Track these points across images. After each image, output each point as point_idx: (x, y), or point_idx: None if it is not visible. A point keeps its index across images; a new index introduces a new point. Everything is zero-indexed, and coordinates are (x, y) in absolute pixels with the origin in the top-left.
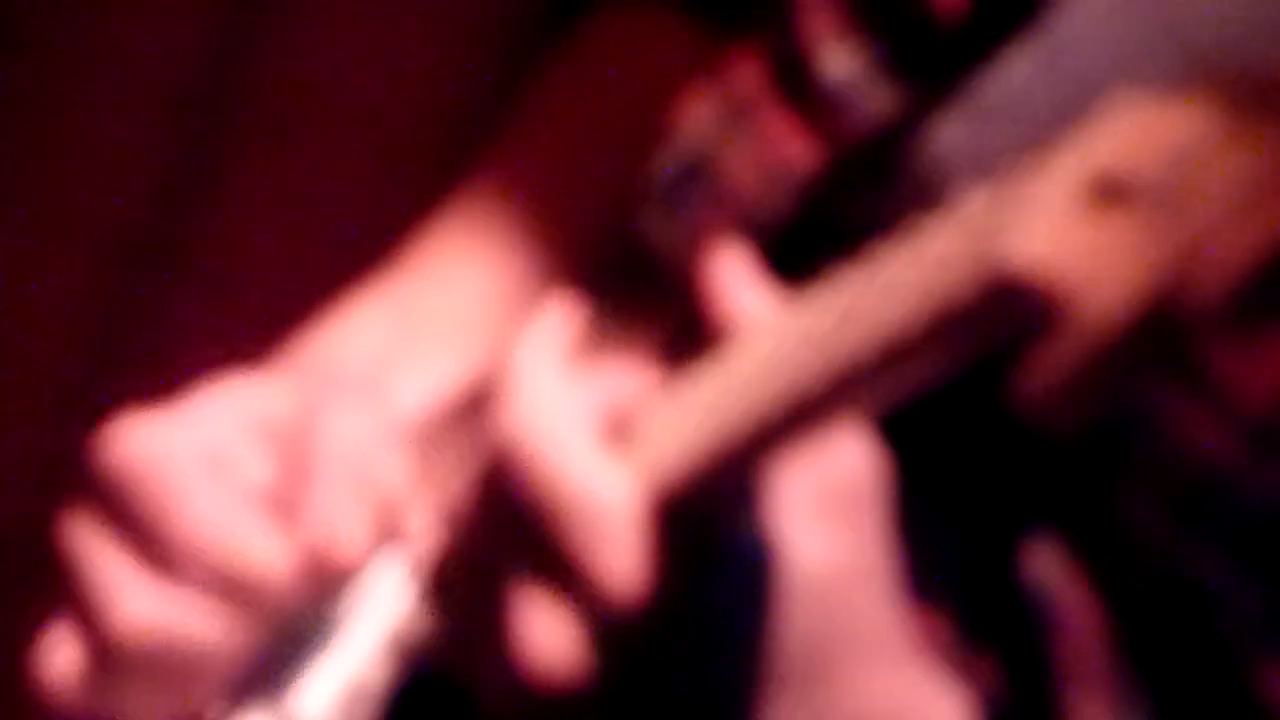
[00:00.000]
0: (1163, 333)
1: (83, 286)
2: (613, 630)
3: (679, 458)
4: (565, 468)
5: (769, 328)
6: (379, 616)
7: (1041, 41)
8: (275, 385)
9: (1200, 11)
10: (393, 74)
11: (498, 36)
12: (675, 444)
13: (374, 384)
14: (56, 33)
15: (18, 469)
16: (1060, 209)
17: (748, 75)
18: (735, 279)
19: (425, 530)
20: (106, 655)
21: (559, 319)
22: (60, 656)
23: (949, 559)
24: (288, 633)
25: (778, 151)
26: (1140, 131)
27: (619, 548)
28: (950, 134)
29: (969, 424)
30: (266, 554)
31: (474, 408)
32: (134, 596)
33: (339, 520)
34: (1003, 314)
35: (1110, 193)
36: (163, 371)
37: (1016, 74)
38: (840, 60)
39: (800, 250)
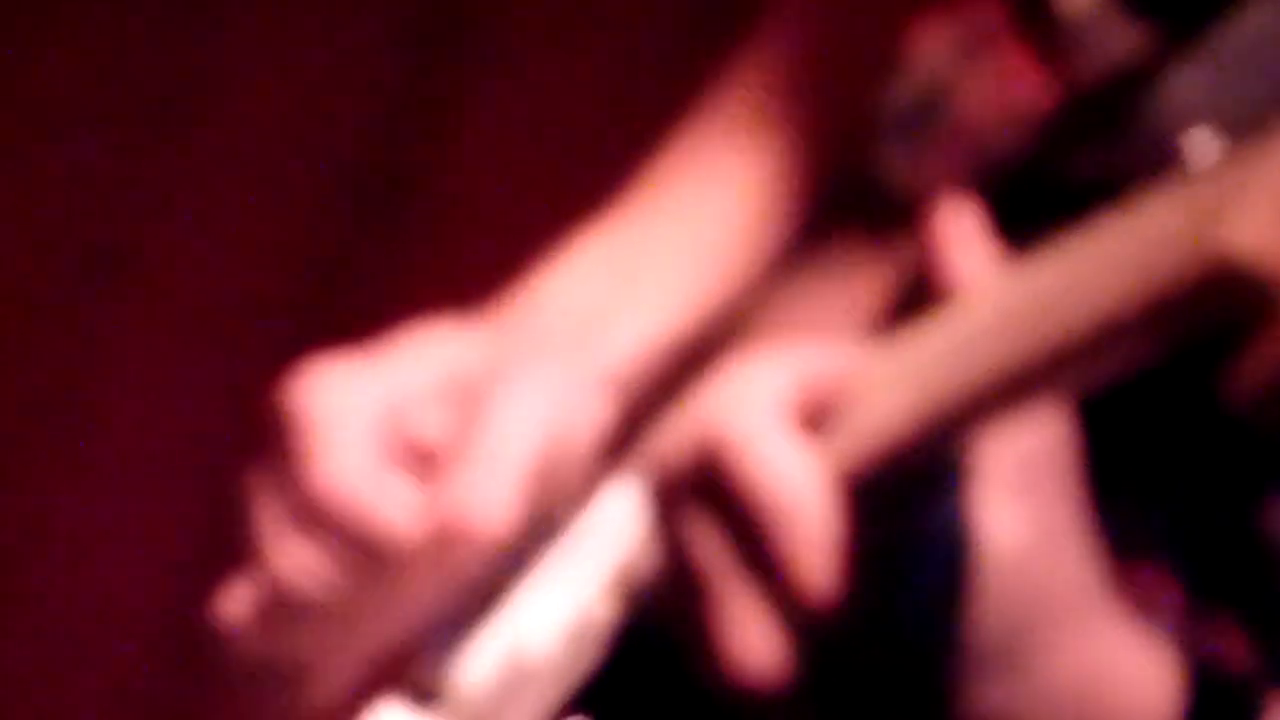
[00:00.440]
0: None
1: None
2: (812, 624)
3: (883, 428)
4: (763, 464)
5: (987, 294)
6: (606, 552)
7: None
8: (471, 340)
9: None
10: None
11: None
12: (881, 414)
13: (589, 330)
14: None
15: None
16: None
17: (987, 9)
18: (963, 239)
19: (651, 468)
20: (271, 600)
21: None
22: (234, 600)
23: (1174, 521)
24: (520, 557)
25: (1015, 87)
26: None
27: (813, 546)
28: (1186, 85)
29: (1192, 392)
30: (394, 518)
31: (690, 355)
32: (286, 543)
33: (483, 492)
34: (1221, 301)
35: None
36: (387, 325)
37: (1256, 25)
38: None
39: (1026, 206)
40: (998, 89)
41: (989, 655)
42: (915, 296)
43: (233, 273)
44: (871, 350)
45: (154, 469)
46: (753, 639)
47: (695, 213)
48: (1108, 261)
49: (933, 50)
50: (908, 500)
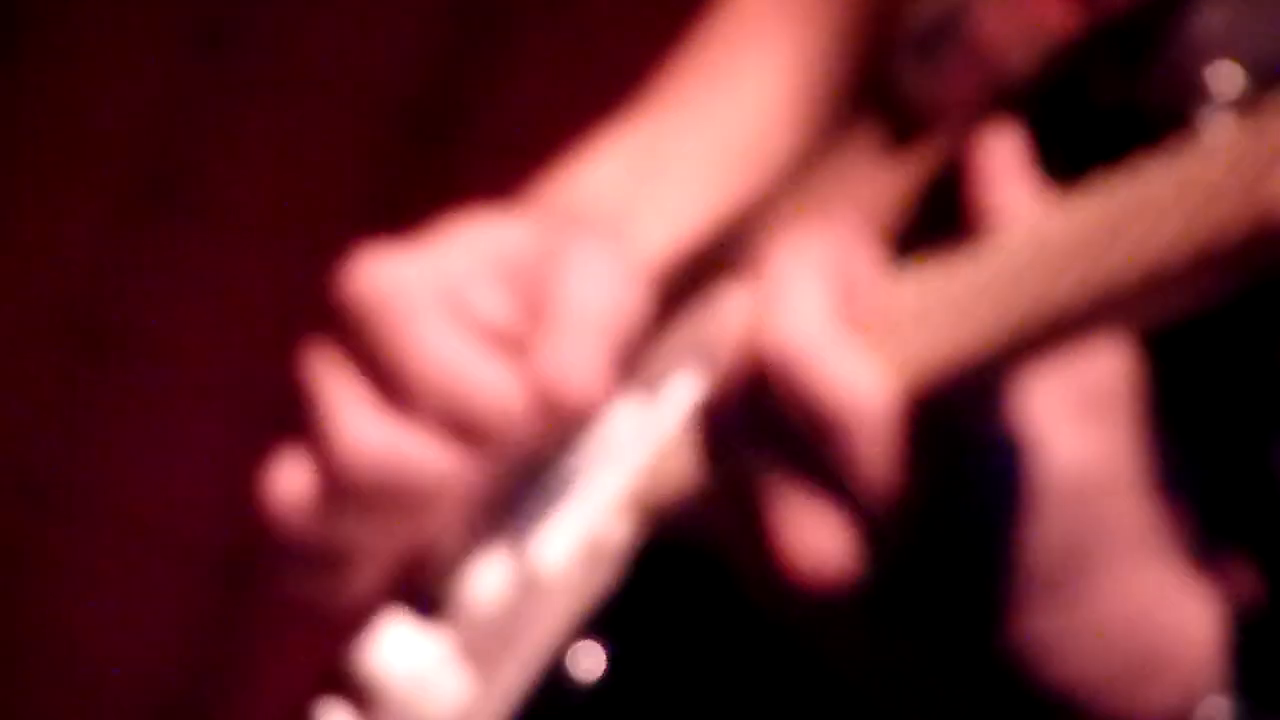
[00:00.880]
0: None
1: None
2: (873, 530)
3: (933, 355)
4: (825, 371)
5: (1029, 230)
6: (622, 471)
7: None
8: (519, 225)
9: None
10: None
11: None
12: (928, 340)
13: (617, 225)
14: None
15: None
16: None
17: None
18: (1007, 168)
19: (672, 378)
20: (335, 484)
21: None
22: (290, 484)
23: (1188, 460)
24: (532, 475)
25: (1035, 10)
26: None
27: (876, 447)
28: (1212, 18)
29: (1224, 337)
30: (497, 391)
31: (707, 253)
32: (365, 425)
33: (573, 361)
34: (1267, 257)
35: None
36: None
37: None
38: None
39: (1051, 131)
40: (1017, 10)
41: (1041, 580)
42: (930, 211)
43: (294, 200)
44: (919, 272)
45: (214, 395)
46: (819, 543)
47: (720, 112)
48: (1154, 209)
49: None
50: (961, 419)
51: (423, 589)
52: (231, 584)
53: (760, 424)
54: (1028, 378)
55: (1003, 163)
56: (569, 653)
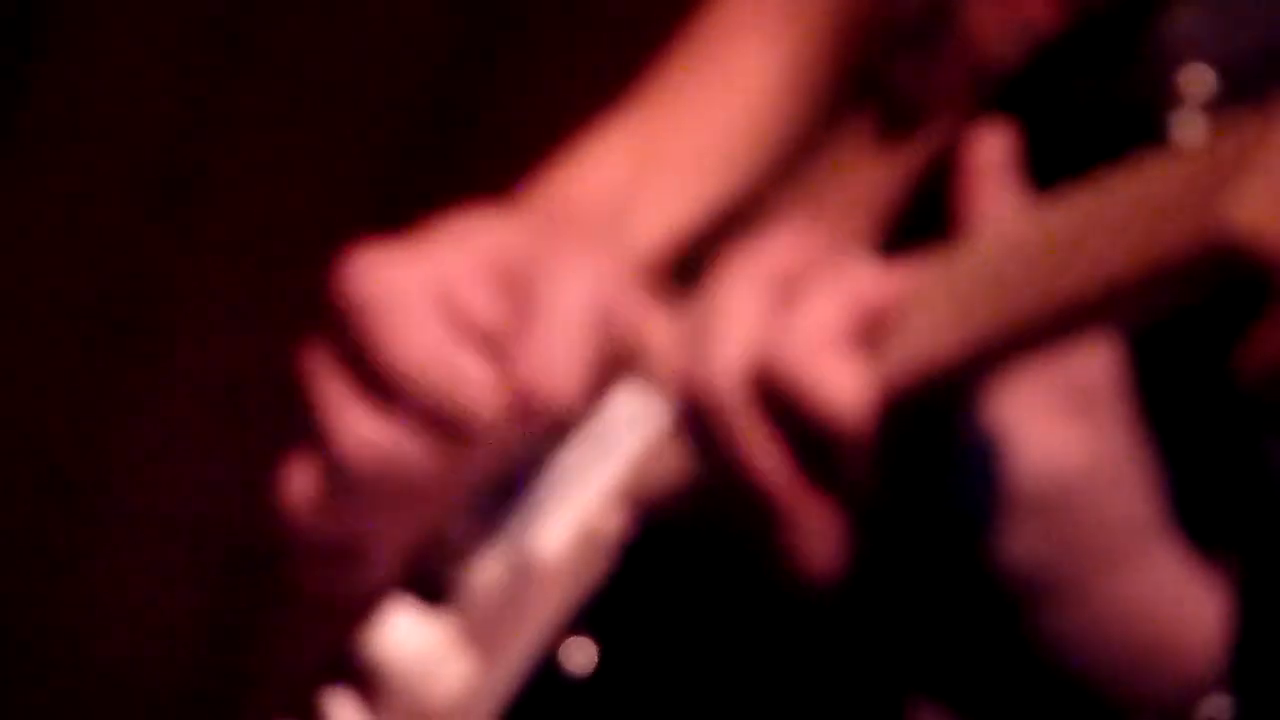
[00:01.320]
0: None
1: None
2: (864, 517)
3: (911, 360)
4: (817, 382)
5: (1000, 236)
6: (614, 465)
7: None
8: (511, 224)
9: None
10: None
11: None
12: (907, 345)
13: (614, 220)
14: None
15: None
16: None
17: None
18: (994, 173)
19: (665, 370)
20: (336, 478)
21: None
22: (297, 481)
23: (1166, 462)
24: (532, 463)
25: (1022, 5)
26: None
27: (858, 440)
28: (1189, 22)
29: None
30: (477, 389)
31: (704, 240)
32: (357, 420)
33: (551, 363)
34: (1220, 273)
35: None
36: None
37: None
38: None
39: (1033, 127)
40: (1005, 5)
41: (1044, 577)
42: (921, 204)
43: (296, 196)
44: (907, 274)
45: (225, 389)
46: (818, 534)
47: (714, 106)
48: (1116, 222)
49: None
50: (940, 417)
51: (426, 575)
52: (244, 574)
53: (761, 427)
54: (1006, 378)
55: (991, 165)
56: (562, 647)
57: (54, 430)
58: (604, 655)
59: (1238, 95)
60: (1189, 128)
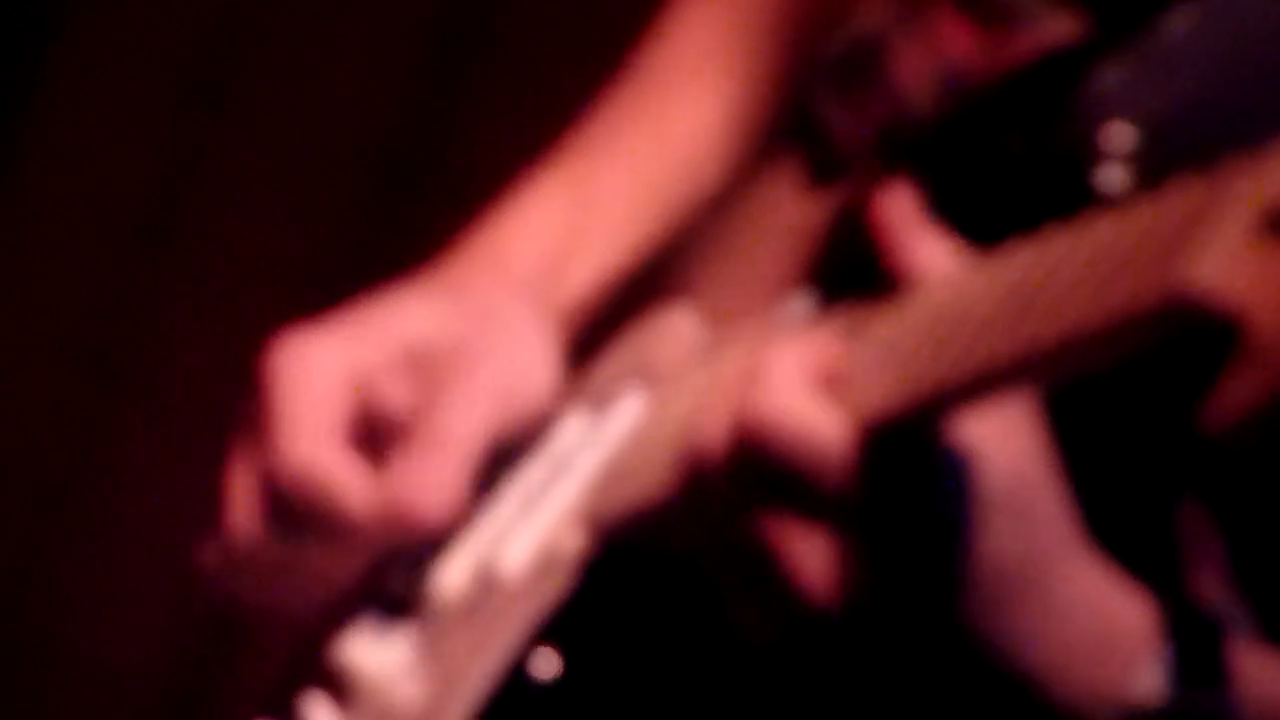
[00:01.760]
0: None
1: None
2: (854, 548)
3: (879, 402)
4: (803, 429)
5: (952, 290)
6: (576, 488)
7: None
8: (431, 309)
9: None
10: None
11: None
12: (875, 387)
13: (547, 271)
14: None
15: None
16: (1238, 235)
17: None
18: (912, 226)
19: (619, 398)
20: (230, 553)
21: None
22: (208, 551)
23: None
24: (492, 479)
25: (946, 49)
26: None
27: (841, 472)
28: (1112, 77)
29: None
30: (347, 498)
31: (635, 276)
32: (242, 504)
33: (427, 487)
34: (1176, 327)
35: None
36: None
37: (1179, 26)
38: None
39: (962, 179)
40: (929, 51)
41: (1008, 583)
42: (846, 242)
43: (268, 242)
44: (857, 331)
45: (206, 422)
46: (820, 558)
47: (649, 152)
48: (1069, 276)
49: (873, 7)
50: (911, 445)
51: (389, 588)
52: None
53: (747, 477)
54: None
55: (904, 218)
56: (529, 656)
57: (49, 456)
58: (568, 663)
59: (1158, 151)
60: (1112, 182)
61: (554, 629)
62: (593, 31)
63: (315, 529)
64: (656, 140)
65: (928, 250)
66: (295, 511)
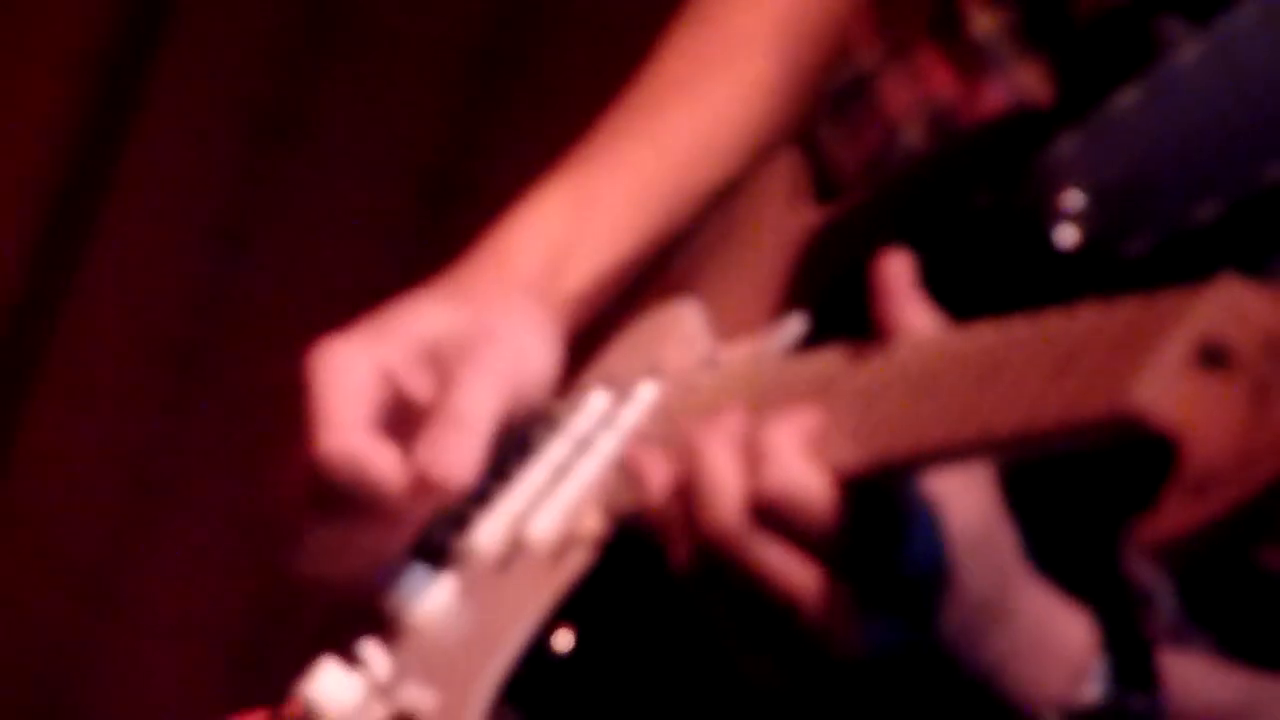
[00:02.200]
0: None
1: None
2: (845, 581)
3: (855, 459)
4: (791, 486)
5: (920, 363)
6: (594, 463)
7: (1152, 73)
8: (444, 311)
9: None
10: None
11: None
12: (850, 448)
13: (552, 267)
14: None
15: None
16: (1176, 362)
17: (914, 16)
18: (905, 292)
19: (635, 386)
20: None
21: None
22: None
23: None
24: (522, 447)
25: (929, 86)
26: (1242, 312)
27: (827, 522)
28: (1067, 146)
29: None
30: (382, 475)
31: (635, 272)
32: (299, 485)
33: (447, 456)
34: (1120, 435)
35: (1215, 358)
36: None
37: (1128, 100)
38: (985, 20)
39: (939, 230)
40: (914, 86)
41: (980, 610)
42: (837, 263)
43: (326, 251)
44: (839, 381)
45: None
46: (820, 595)
47: (644, 160)
48: (1022, 372)
49: (868, 42)
50: (888, 489)
51: (435, 543)
52: (245, 668)
53: (762, 535)
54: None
55: (900, 283)
56: (550, 632)
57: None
58: (582, 638)
59: (1104, 214)
60: (1066, 239)
61: (570, 609)
62: (618, 64)
63: (358, 507)
64: (653, 147)
65: (912, 315)
66: (340, 494)
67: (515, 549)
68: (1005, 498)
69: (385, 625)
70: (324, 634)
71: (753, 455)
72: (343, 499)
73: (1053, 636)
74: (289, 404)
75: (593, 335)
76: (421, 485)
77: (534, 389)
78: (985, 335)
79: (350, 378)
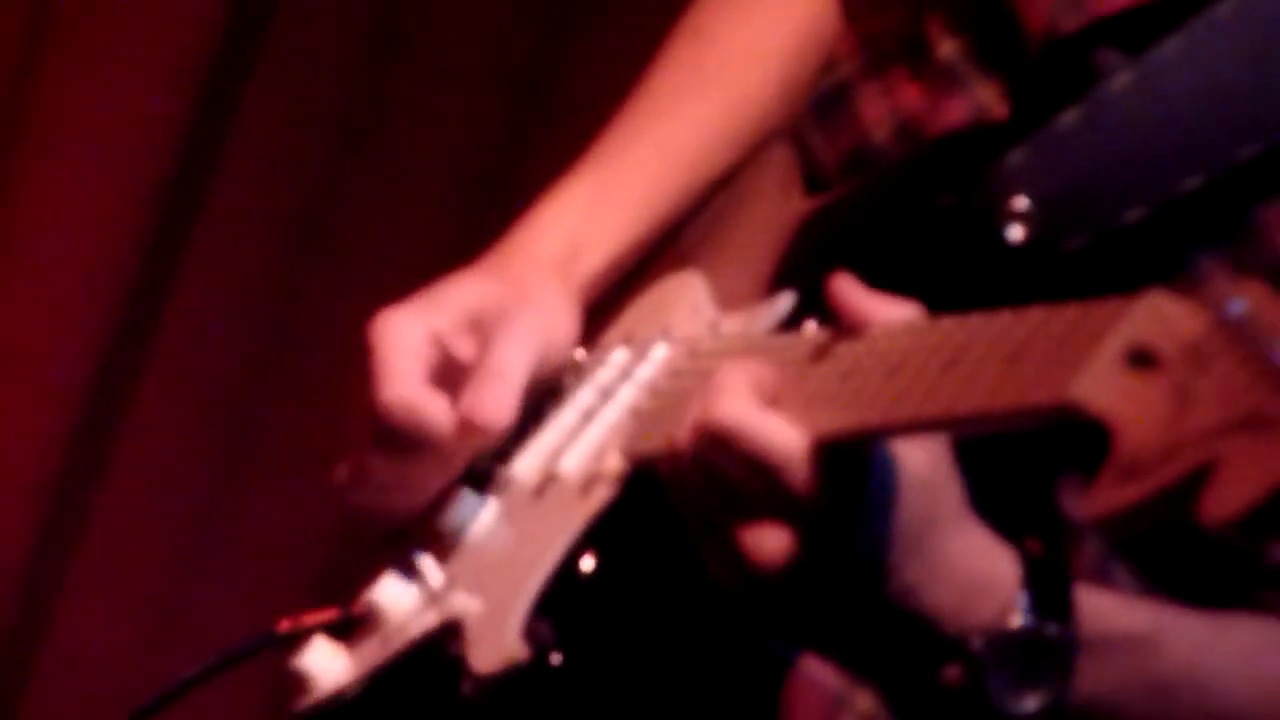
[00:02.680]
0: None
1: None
2: (803, 529)
3: (832, 424)
4: (765, 440)
5: (884, 351)
6: (616, 420)
7: (1091, 97)
8: (482, 284)
9: (1218, 107)
10: None
11: None
12: (829, 414)
13: (571, 253)
14: None
15: None
16: (1110, 360)
17: (887, 34)
18: (859, 294)
19: (650, 346)
20: (357, 473)
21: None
22: (339, 472)
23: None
24: (554, 395)
25: (898, 97)
26: (1167, 321)
27: (801, 476)
28: (1016, 158)
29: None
30: (434, 419)
31: (644, 254)
32: (363, 435)
33: (487, 403)
34: (1063, 420)
35: (1144, 360)
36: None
37: (1069, 119)
38: (947, 45)
39: (906, 226)
40: (886, 96)
41: (912, 540)
42: (821, 246)
43: (387, 243)
44: (821, 357)
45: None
46: (775, 543)
47: (651, 157)
48: (977, 363)
49: (849, 54)
50: (855, 450)
51: (476, 468)
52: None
53: (720, 468)
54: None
55: (855, 291)
56: (577, 553)
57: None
58: (603, 562)
59: (1047, 216)
60: (1015, 235)
61: (594, 536)
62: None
63: (414, 447)
64: (657, 150)
65: (881, 309)
66: (398, 437)
67: (549, 480)
68: (956, 453)
69: (438, 542)
70: (385, 550)
71: (713, 389)
72: (400, 440)
73: (981, 573)
74: (357, 367)
75: (608, 304)
76: (467, 427)
77: (560, 349)
78: (948, 326)
79: (407, 339)
